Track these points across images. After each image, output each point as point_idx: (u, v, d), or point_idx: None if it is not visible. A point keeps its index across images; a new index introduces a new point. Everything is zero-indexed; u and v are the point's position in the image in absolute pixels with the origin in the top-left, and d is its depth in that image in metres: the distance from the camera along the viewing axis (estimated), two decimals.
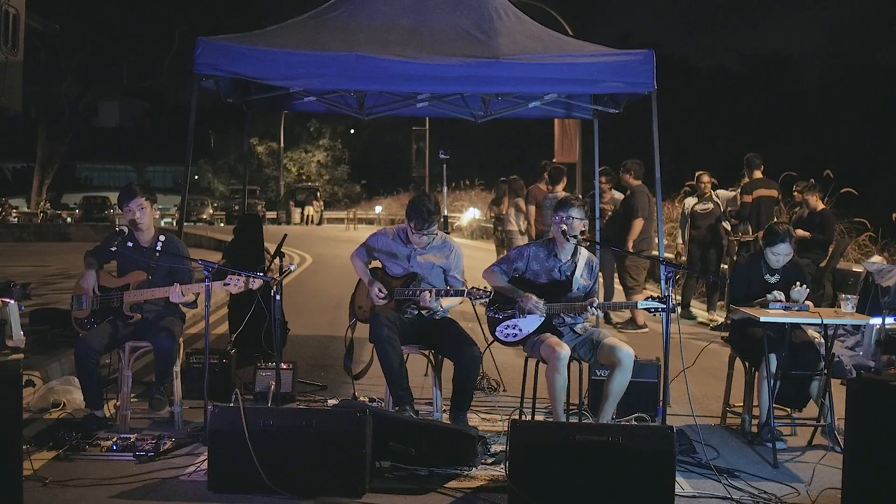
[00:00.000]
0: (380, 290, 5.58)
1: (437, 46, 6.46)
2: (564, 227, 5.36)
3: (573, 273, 5.45)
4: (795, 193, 10.37)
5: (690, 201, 11.00)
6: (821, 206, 9.75)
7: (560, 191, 10.19)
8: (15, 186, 51.53)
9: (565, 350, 5.15)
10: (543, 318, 5.36)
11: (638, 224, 9.71)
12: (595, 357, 5.34)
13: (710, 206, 10.80)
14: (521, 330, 5.40)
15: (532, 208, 10.72)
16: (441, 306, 5.59)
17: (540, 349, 5.25)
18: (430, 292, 5.43)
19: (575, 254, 5.49)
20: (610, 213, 10.26)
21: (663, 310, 5.24)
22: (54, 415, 5.73)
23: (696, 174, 11.11)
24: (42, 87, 37.76)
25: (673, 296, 5.25)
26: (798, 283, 5.57)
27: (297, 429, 4.39)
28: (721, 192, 11.20)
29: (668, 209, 15.79)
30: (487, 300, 5.42)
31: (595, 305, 5.29)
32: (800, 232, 9.21)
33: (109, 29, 37.51)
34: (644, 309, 5.43)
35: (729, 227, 10.75)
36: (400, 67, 6.27)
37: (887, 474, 3.98)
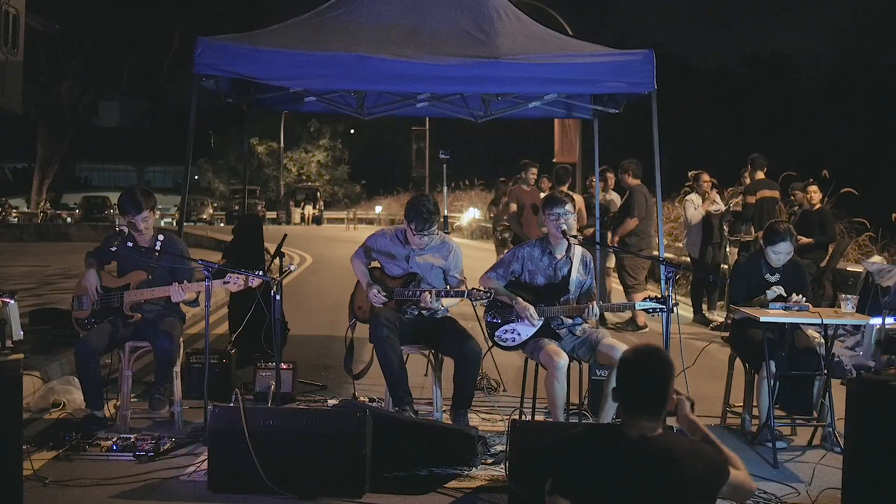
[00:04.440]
0: (378, 293, 5.58)
1: (437, 46, 6.46)
2: (564, 225, 5.36)
3: (570, 270, 5.45)
4: (796, 193, 10.38)
5: (697, 201, 10.87)
6: (818, 203, 9.76)
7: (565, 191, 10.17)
8: (15, 186, 51.57)
9: (563, 359, 5.14)
10: (542, 322, 5.36)
11: (630, 223, 9.71)
12: (594, 357, 5.34)
13: (721, 207, 10.76)
14: (519, 334, 5.39)
15: (513, 206, 10.67)
16: (442, 306, 5.59)
17: (539, 356, 5.25)
18: (431, 293, 5.43)
19: (569, 249, 5.49)
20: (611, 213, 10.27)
21: (661, 310, 5.24)
22: (54, 415, 5.73)
23: (696, 174, 11.03)
24: (42, 87, 37.74)
25: (673, 296, 5.25)
26: (796, 293, 5.57)
27: (297, 429, 4.39)
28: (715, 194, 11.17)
29: (668, 209, 15.79)
30: (487, 301, 5.41)
31: (595, 314, 5.28)
32: (802, 240, 9.18)
33: (109, 29, 37.49)
34: (643, 310, 5.43)
35: (727, 229, 10.73)
36: (400, 67, 6.27)
37: (887, 474, 3.98)
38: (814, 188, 9.83)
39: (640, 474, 2.85)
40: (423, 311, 5.60)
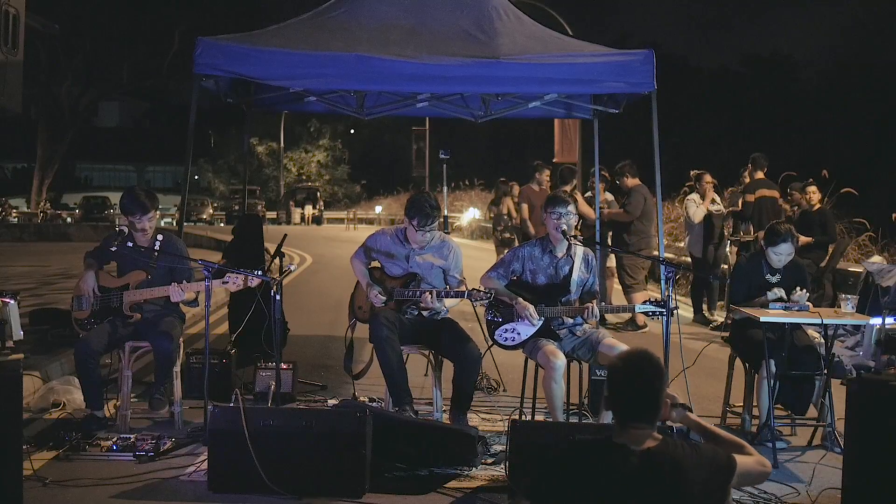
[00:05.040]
0: (379, 294, 5.58)
1: (437, 46, 6.46)
2: (564, 225, 5.36)
3: (571, 269, 5.45)
4: (794, 193, 10.38)
5: (699, 201, 10.84)
6: (818, 203, 9.72)
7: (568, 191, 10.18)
8: (15, 186, 51.55)
9: (561, 359, 5.14)
10: (542, 321, 5.36)
11: (620, 214, 9.75)
12: (594, 358, 5.34)
13: (721, 208, 10.77)
14: (519, 334, 5.39)
15: (525, 206, 10.72)
16: (444, 306, 5.59)
17: (537, 356, 5.25)
18: (432, 293, 5.42)
19: (570, 248, 5.49)
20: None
21: (661, 314, 5.22)
22: (54, 415, 5.73)
23: (698, 174, 11.00)
24: (42, 87, 37.75)
25: (673, 296, 5.25)
26: (798, 287, 5.58)
27: (297, 429, 4.39)
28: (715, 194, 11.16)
29: (668, 209, 15.80)
30: (488, 301, 5.41)
31: (595, 315, 5.27)
32: (802, 239, 9.13)
33: (109, 29, 37.50)
34: (643, 313, 5.42)
35: (728, 230, 10.73)
36: (400, 67, 6.27)
37: (887, 474, 3.98)
38: (813, 188, 9.79)
39: (648, 491, 2.81)
40: (424, 312, 5.60)
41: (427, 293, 5.42)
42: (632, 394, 2.91)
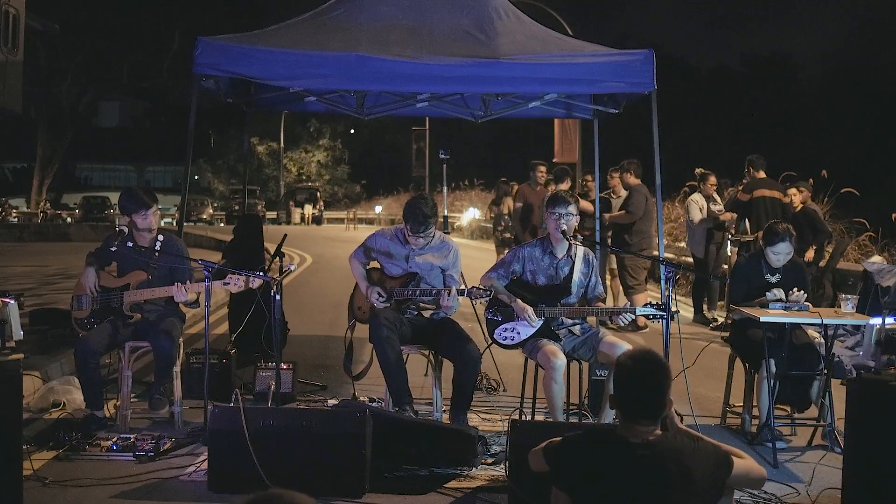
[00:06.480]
0: (379, 295, 5.58)
1: (437, 46, 6.47)
2: (564, 225, 5.35)
3: (571, 269, 5.45)
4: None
5: (701, 202, 10.79)
6: (799, 205, 9.53)
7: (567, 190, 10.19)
8: (15, 186, 51.56)
9: (561, 360, 5.14)
10: (542, 322, 5.36)
11: (623, 216, 9.75)
12: (595, 357, 5.34)
13: (721, 207, 10.74)
14: (518, 333, 5.39)
15: (519, 205, 10.74)
16: (459, 303, 5.56)
17: (537, 356, 5.25)
18: (451, 290, 5.39)
19: (570, 249, 5.48)
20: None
21: (662, 317, 5.21)
22: (54, 415, 5.73)
23: (703, 174, 10.94)
24: (42, 87, 37.75)
25: (673, 296, 5.24)
26: (798, 287, 5.57)
27: (297, 429, 4.39)
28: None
29: (668, 209, 15.81)
30: (487, 300, 5.41)
31: (626, 319, 5.27)
32: (808, 255, 8.97)
33: (109, 29, 37.51)
34: (643, 315, 5.40)
35: (731, 231, 10.72)
36: (400, 67, 6.27)
37: (887, 474, 3.98)
38: (793, 190, 9.46)
39: (653, 479, 2.84)
40: (432, 313, 5.59)
41: (445, 291, 5.41)
42: (638, 395, 2.94)
